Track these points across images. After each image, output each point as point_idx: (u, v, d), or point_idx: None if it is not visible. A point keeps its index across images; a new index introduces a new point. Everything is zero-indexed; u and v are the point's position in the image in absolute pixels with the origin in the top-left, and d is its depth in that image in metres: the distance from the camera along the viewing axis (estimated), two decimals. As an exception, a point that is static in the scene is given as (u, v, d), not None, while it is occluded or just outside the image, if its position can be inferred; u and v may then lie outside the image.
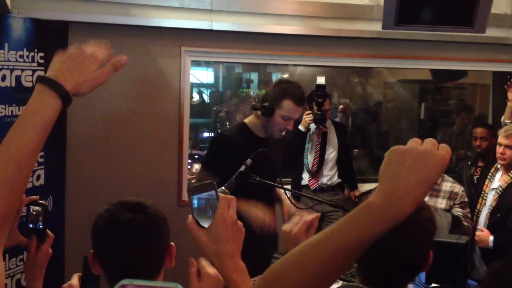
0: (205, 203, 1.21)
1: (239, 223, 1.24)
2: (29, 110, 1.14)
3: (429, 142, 0.91)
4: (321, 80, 4.32)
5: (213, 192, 1.21)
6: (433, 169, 0.89)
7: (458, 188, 3.99)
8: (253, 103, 3.41)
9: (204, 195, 1.21)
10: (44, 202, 1.82)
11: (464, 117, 6.05)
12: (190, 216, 1.21)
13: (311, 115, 4.42)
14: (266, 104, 3.19)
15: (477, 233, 3.84)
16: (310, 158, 4.63)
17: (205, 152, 3.65)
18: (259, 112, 3.24)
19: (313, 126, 4.53)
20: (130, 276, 1.50)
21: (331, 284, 0.96)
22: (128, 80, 4.35)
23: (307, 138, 4.62)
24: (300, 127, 4.54)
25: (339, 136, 4.70)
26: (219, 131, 5.48)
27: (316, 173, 4.63)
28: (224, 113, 6.65)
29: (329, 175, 4.65)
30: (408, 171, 0.89)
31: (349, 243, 0.90)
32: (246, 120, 3.36)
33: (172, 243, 1.64)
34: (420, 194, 0.88)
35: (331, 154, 4.68)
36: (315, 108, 4.35)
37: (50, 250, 1.73)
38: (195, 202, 1.21)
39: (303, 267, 0.93)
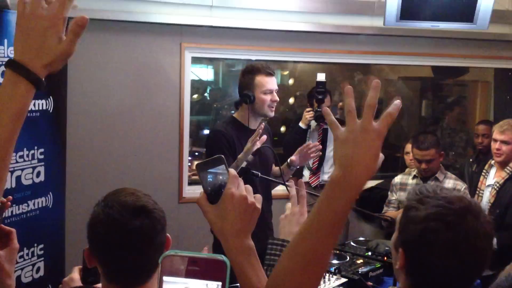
0: (215, 178, 1.19)
1: (252, 201, 1.18)
2: (1, 98, 1.07)
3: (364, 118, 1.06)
4: (321, 77, 4.29)
5: (222, 166, 1.19)
6: (372, 142, 1.04)
7: (461, 186, 3.92)
8: (235, 102, 3.43)
9: (214, 170, 1.19)
10: (3, 200, 1.76)
11: (459, 112, 6.05)
12: (201, 192, 1.19)
13: (311, 112, 4.41)
14: (244, 92, 3.24)
15: None
16: None
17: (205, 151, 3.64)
18: (244, 105, 3.27)
19: (313, 123, 4.52)
20: (132, 273, 1.49)
21: (329, 260, 1.07)
22: (128, 76, 4.33)
23: (308, 135, 4.60)
24: (301, 124, 4.53)
25: None
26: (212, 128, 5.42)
27: (316, 171, 4.62)
28: (224, 110, 6.64)
29: (330, 172, 4.62)
30: (353, 145, 1.03)
31: (328, 221, 1.02)
32: (234, 114, 3.38)
33: (168, 235, 1.63)
34: (369, 163, 1.02)
35: (331, 151, 4.66)
36: (315, 105, 4.33)
37: (17, 245, 1.66)
38: (205, 178, 1.18)
39: (299, 261, 1.03)
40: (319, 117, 4.35)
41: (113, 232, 1.50)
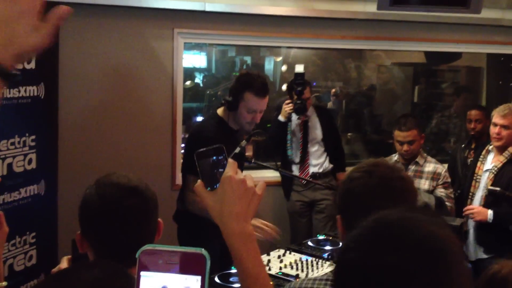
0: (213, 166, 1.18)
1: (251, 186, 1.17)
2: None
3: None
4: (299, 68, 4.21)
5: (222, 157, 1.19)
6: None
7: (441, 169, 4.00)
8: (224, 97, 3.38)
9: (213, 159, 1.19)
10: None
11: (465, 98, 6.04)
12: (199, 180, 1.18)
13: (290, 104, 4.27)
14: (229, 99, 3.18)
15: (474, 208, 3.79)
16: (294, 150, 4.52)
17: (184, 153, 3.58)
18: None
19: (295, 116, 4.40)
20: (124, 256, 1.49)
21: None
22: (121, 62, 4.30)
23: (289, 129, 4.48)
24: (280, 118, 4.41)
25: (322, 122, 4.54)
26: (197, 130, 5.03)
27: (303, 164, 4.55)
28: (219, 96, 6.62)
29: (319, 163, 4.53)
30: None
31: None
32: (219, 112, 3.32)
33: (160, 219, 1.62)
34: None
35: (316, 143, 4.54)
36: (294, 97, 4.21)
37: (7, 228, 1.64)
38: (204, 165, 1.18)
39: None
40: (299, 110, 4.21)
41: (106, 210, 1.51)
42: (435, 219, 0.95)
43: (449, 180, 4.00)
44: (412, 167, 4.02)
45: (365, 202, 1.53)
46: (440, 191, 3.94)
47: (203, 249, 0.82)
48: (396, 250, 0.86)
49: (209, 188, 1.17)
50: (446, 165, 4.52)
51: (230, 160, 1.18)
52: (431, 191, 3.95)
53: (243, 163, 3.02)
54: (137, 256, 0.83)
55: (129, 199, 1.52)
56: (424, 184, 3.96)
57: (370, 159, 1.77)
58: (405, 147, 3.96)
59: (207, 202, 1.18)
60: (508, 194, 3.47)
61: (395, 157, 4.16)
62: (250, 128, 3.26)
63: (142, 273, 0.82)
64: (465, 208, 3.84)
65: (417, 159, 4.01)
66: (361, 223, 0.95)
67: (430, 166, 4.00)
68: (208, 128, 3.25)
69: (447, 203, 3.88)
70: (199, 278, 0.81)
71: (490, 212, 3.69)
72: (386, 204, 1.33)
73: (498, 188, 3.68)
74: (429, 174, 3.97)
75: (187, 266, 0.81)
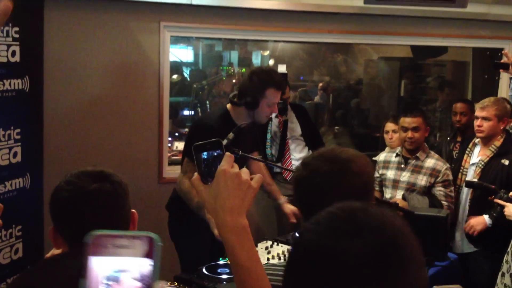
0: (210, 160, 1.20)
1: (246, 179, 1.18)
2: None
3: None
4: (282, 68, 4.26)
5: (219, 151, 1.21)
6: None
7: (441, 166, 3.90)
8: (230, 97, 3.35)
9: (210, 153, 1.20)
10: None
11: (448, 93, 6.07)
12: (195, 173, 1.20)
13: None
14: (249, 98, 3.18)
15: (469, 223, 3.69)
16: (274, 149, 4.53)
17: (186, 139, 3.59)
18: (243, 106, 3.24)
19: (274, 115, 4.36)
20: None
21: None
22: (106, 56, 4.27)
23: (269, 128, 4.48)
24: None
25: (300, 119, 4.58)
26: (200, 118, 5.12)
27: (285, 160, 4.52)
28: (205, 91, 6.61)
29: (301, 157, 4.48)
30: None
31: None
32: (228, 107, 3.32)
33: (133, 210, 1.63)
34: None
35: (296, 139, 4.57)
36: None
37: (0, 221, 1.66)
38: (201, 159, 1.20)
39: None
40: (282, 110, 4.22)
41: (75, 195, 1.54)
42: (393, 212, 0.96)
43: (450, 178, 3.90)
44: (412, 162, 3.94)
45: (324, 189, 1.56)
46: (439, 190, 3.85)
47: (152, 233, 0.82)
48: (353, 235, 0.86)
49: (205, 182, 1.19)
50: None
51: (226, 153, 1.19)
52: (428, 188, 3.86)
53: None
54: (85, 240, 0.81)
55: (95, 182, 1.54)
56: (421, 180, 3.88)
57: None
58: (409, 133, 3.89)
59: (203, 195, 1.19)
60: (486, 185, 3.49)
61: (398, 150, 4.09)
62: (266, 120, 3.38)
63: (93, 258, 0.81)
64: (464, 227, 3.77)
65: (418, 154, 3.93)
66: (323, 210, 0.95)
67: (431, 162, 3.91)
68: (212, 119, 3.27)
69: (444, 202, 3.80)
70: (151, 261, 0.81)
71: (486, 218, 3.60)
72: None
73: (475, 180, 3.70)
74: (427, 170, 3.88)
75: (137, 250, 0.81)
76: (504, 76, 5.24)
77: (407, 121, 3.93)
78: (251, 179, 1.20)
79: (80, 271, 1.03)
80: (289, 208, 3.53)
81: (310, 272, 0.87)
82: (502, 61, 4.01)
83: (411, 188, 3.90)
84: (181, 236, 3.32)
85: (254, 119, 3.27)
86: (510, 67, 3.90)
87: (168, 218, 3.47)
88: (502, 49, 5.25)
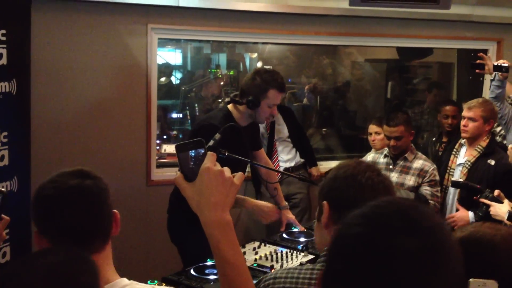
0: (193, 159, 1.22)
1: (228, 176, 1.21)
2: None
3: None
4: None
5: (201, 150, 1.23)
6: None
7: (429, 166, 4.00)
8: (231, 96, 3.38)
9: (193, 152, 1.23)
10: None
11: (435, 94, 6.13)
12: (178, 172, 1.22)
13: None
14: (250, 98, 3.20)
15: (454, 215, 3.75)
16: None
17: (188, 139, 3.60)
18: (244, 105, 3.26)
19: None
20: (84, 242, 1.51)
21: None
22: (93, 59, 4.26)
23: None
24: None
25: (286, 120, 4.66)
26: (204, 118, 5.03)
27: (273, 162, 4.56)
28: (194, 93, 6.60)
29: (289, 159, 4.64)
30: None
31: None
32: (230, 108, 3.34)
33: (115, 210, 1.65)
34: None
35: (283, 140, 4.63)
36: None
37: (4, 234, 1.72)
38: (183, 158, 1.22)
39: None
40: None
41: (58, 191, 1.56)
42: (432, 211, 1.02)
43: (436, 178, 3.99)
44: (401, 162, 4.05)
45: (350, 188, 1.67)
46: (425, 189, 3.94)
47: None
48: (408, 233, 0.88)
49: (188, 180, 1.21)
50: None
51: (209, 152, 1.22)
52: (416, 187, 3.96)
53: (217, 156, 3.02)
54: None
55: (76, 179, 1.57)
56: (409, 180, 3.98)
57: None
58: (392, 142, 4.00)
59: (187, 193, 1.21)
60: (471, 185, 3.54)
61: (385, 151, 4.17)
62: (267, 121, 3.41)
63: None
64: (447, 217, 3.83)
65: (406, 155, 4.03)
66: (364, 204, 0.96)
67: (419, 163, 4.01)
68: (215, 119, 3.27)
69: (430, 201, 3.89)
70: None
71: (471, 215, 3.65)
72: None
73: (461, 180, 3.75)
74: (415, 171, 3.98)
75: None
76: (488, 77, 5.30)
77: (388, 130, 4.03)
78: (233, 176, 1.23)
79: (55, 268, 1.07)
80: (287, 217, 3.49)
81: (361, 265, 0.88)
82: (477, 61, 4.19)
83: (399, 188, 3.97)
84: (185, 237, 3.30)
85: (254, 119, 3.31)
86: (486, 68, 4.11)
87: (169, 222, 3.48)
88: (486, 50, 5.32)
